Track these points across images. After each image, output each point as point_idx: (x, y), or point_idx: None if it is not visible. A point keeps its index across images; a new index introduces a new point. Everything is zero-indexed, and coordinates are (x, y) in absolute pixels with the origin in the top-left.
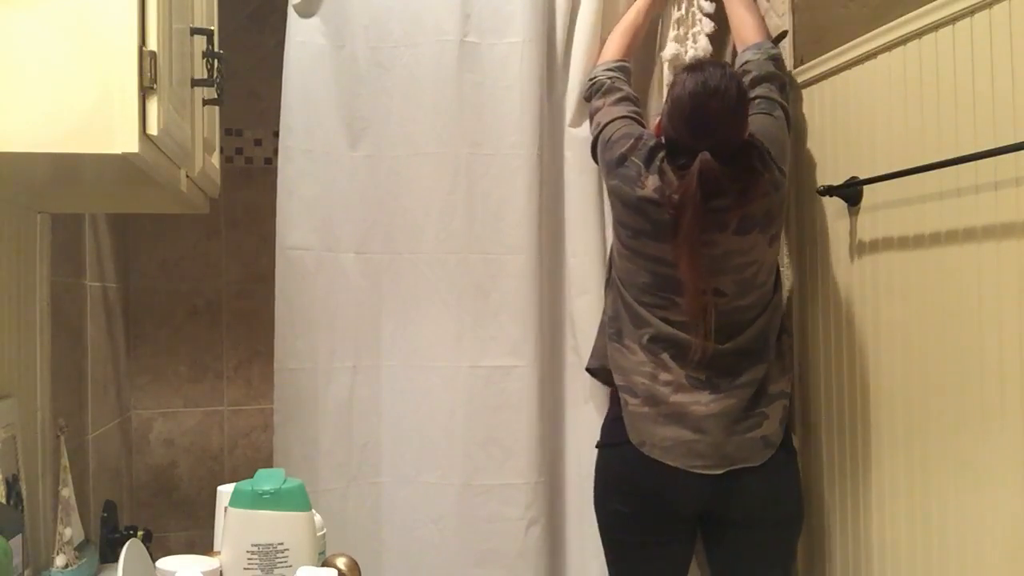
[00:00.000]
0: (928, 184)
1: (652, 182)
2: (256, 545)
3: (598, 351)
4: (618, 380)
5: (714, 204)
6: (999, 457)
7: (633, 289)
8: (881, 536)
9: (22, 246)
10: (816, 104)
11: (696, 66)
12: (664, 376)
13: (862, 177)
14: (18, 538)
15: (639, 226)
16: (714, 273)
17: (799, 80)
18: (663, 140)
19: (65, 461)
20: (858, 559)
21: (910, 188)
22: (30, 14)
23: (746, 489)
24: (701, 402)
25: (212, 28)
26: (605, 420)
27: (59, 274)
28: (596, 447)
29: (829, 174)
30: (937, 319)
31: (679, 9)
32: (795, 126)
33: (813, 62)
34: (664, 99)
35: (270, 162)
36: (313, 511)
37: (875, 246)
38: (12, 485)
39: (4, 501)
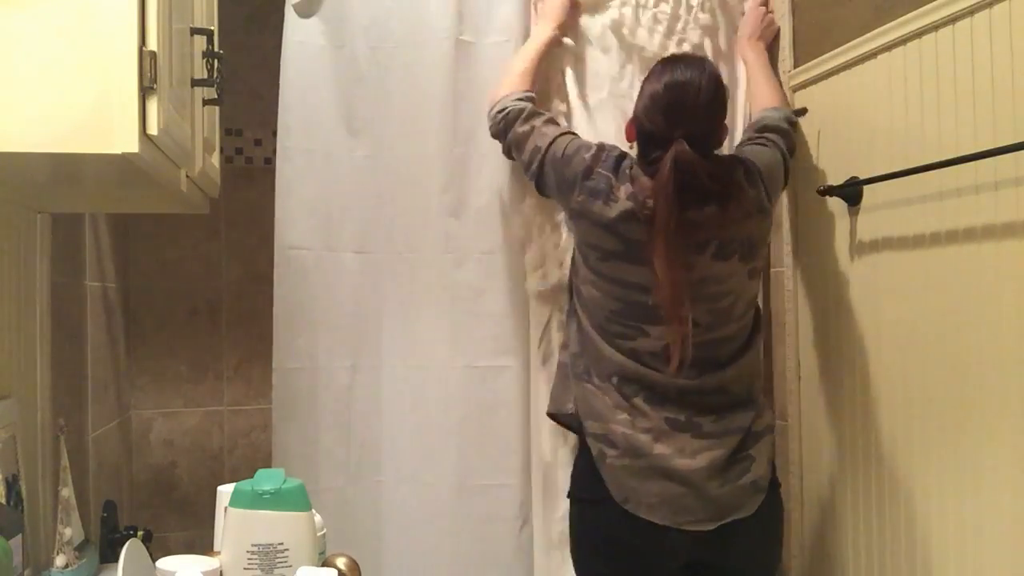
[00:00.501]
0: (928, 184)
1: (624, 191)
2: (256, 545)
3: (555, 394)
4: (592, 428)
5: (692, 215)
6: (999, 457)
7: (598, 318)
8: (881, 536)
9: (22, 246)
10: (816, 104)
11: (672, 59)
12: (642, 423)
13: (862, 177)
14: (18, 538)
15: (610, 247)
16: (688, 300)
17: (799, 80)
18: (637, 137)
19: (65, 461)
20: (858, 559)
21: (910, 188)
22: (30, 14)
23: (737, 540)
24: (686, 451)
25: (212, 28)
26: (576, 467)
27: (59, 274)
28: (569, 497)
29: (829, 174)
30: (937, 319)
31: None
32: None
33: (813, 62)
34: (636, 96)
35: (270, 162)
36: (313, 511)
37: (875, 246)
38: (12, 485)
39: (4, 501)
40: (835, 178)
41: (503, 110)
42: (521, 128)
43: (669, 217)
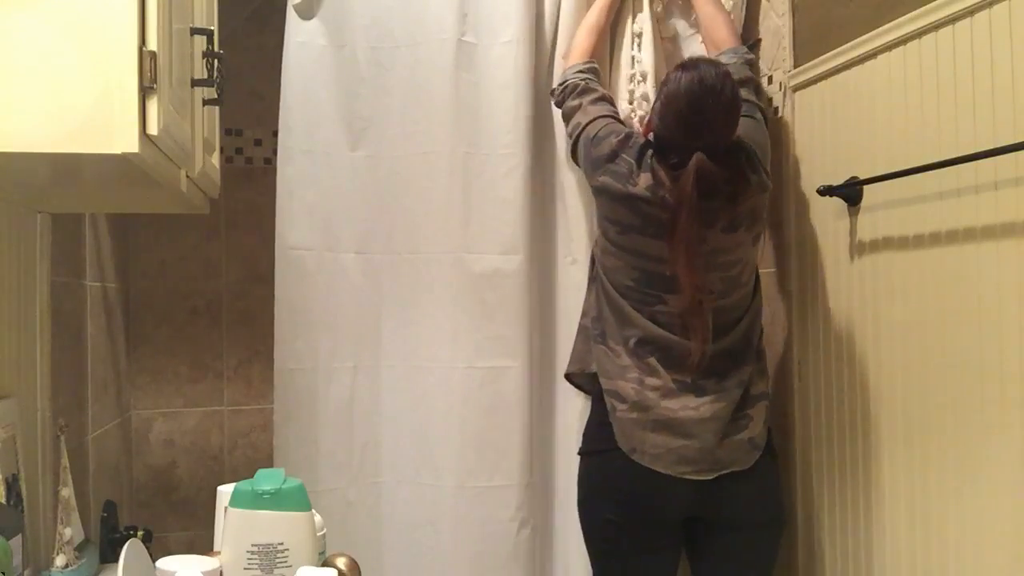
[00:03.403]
0: (928, 184)
1: (644, 180)
2: (256, 545)
3: (578, 355)
4: (605, 384)
5: (706, 205)
6: (999, 457)
7: (619, 287)
8: (881, 536)
9: (22, 246)
10: (816, 104)
11: (690, 64)
12: (651, 381)
13: (862, 177)
14: (18, 538)
15: (629, 221)
16: (703, 270)
17: (799, 80)
18: (652, 139)
19: (65, 461)
20: (858, 559)
21: (910, 188)
22: (30, 14)
23: (734, 492)
24: (690, 406)
25: (212, 28)
26: (588, 425)
27: (59, 274)
28: (580, 454)
29: (829, 174)
30: (937, 319)
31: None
32: (794, 125)
33: (813, 62)
34: (655, 98)
35: (270, 162)
36: (313, 511)
37: (875, 246)
38: (12, 485)
39: (4, 501)
40: (835, 178)
41: (563, 83)
42: (572, 102)
43: (689, 228)
